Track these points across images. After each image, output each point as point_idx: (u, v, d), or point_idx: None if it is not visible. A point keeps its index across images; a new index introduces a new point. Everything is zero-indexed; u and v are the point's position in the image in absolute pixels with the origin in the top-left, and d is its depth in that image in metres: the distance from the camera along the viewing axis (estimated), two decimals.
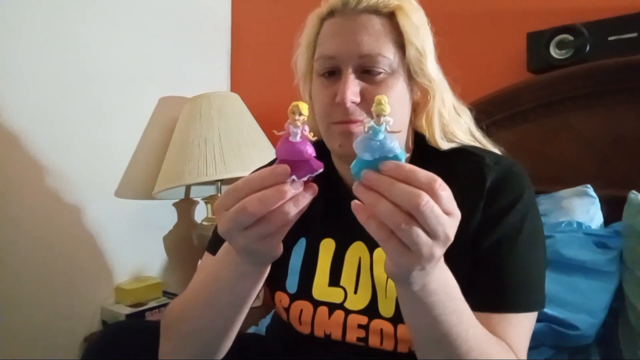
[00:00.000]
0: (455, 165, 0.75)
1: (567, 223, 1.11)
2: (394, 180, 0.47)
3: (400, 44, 0.71)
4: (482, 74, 1.38)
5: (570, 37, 1.23)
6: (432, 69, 0.74)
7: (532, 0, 1.37)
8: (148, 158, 1.75)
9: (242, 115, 1.73)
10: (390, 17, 0.71)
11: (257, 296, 1.85)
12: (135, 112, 1.73)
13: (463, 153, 0.76)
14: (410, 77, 0.74)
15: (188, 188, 1.87)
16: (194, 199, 1.93)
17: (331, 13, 0.74)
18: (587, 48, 1.20)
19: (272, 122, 1.83)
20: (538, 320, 0.71)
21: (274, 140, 1.75)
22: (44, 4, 1.45)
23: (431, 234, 0.47)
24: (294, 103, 0.51)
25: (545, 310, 0.94)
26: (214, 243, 0.84)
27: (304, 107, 0.51)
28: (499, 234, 0.69)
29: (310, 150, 0.52)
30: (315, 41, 0.77)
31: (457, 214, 0.49)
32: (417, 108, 0.77)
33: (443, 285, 0.55)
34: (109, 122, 1.63)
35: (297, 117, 0.51)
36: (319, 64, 0.74)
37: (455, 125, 0.78)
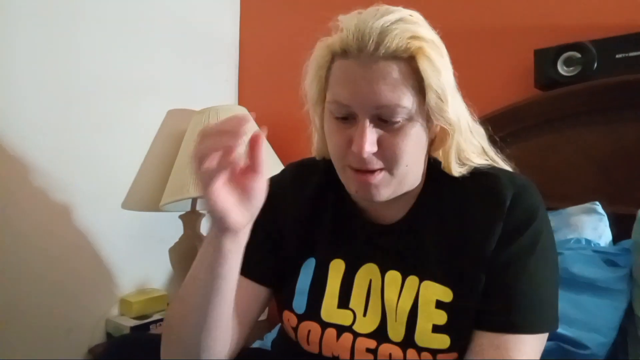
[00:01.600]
0: (469, 189, 0.73)
1: (576, 240, 1.10)
2: None
3: (420, 87, 0.67)
4: (490, 90, 1.39)
5: (578, 55, 1.23)
6: (453, 112, 0.69)
7: (539, 17, 1.38)
8: (155, 170, 1.76)
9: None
10: (410, 60, 0.65)
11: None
12: (143, 124, 1.74)
13: (477, 175, 0.75)
14: (429, 118, 0.70)
15: (194, 200, 1.86)
16: (200, 211, 1.92)
17: (344, 53, 0.68)
18: (595, 65, 1.20)
19: (278, 135, 1.85)
20: (547, 339, 0.70)
21: (279, 153, 1.76)
22: (51, 17, 1.47)
23: None
24: None
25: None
26: None
27: None
28: (512, 253, 0.69)
29: None
30: (325, 75, 0.72)
31: None
32: (435, 141, 0.74)
33: None
34: (116, 134, 1.64)
35: None
36: (334, 107, 0.70)
37: (470, 148, 0.75)
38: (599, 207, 1.16)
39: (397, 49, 0.64)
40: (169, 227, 1.84)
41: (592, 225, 1.14)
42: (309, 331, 0.77)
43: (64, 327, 1.50)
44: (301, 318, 0.78)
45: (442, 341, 0.69)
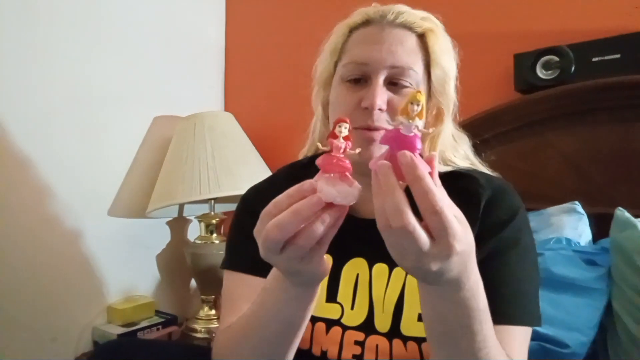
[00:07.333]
0: (449, 188, 0.76)
1: (556, 240, 1.12)
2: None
3: (426, 64, 0.75)
4: (472, 94, 1.39)
5: (556, 58, 1.26)
6: (451, 95, 0.78)
7: (518, 23, 1.41)
8: (142, 177, 1.76)
9: (235, 134, 1.75)
10: (421, 37, 0.75)
11: None
12: (130, 131, 1.75)
13: (457, 176, 0.77)
14: (429, 97, 0.76)
15: (181, 206, 1.87)
16: (187, 217, 1.93)
17: (366, 22, 0.77)
18: (572, 69, 1.23)
19: (265, 141, 1.86)
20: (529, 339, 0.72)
21: (266, 158, 1.76)
22: (34, 24, 1.46)
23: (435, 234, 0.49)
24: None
25: (536, 327, 0.95)
26: (230, 259, 0.84)
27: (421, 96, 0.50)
28: (493, 247, 0.70)
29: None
30: (341, 49, 0.79)
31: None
32: (428, 123, 0.79)
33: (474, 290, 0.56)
34: (102, 141, 1.64)
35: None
36: (348, 69, 0.75)
37: (453, 152, 0.80)
38: (578, 206, 1.19)
39: (414, 22, 0.75)
40: (156, 234, 1.84)
41: (572, 225, 1.16)
42: None
43: (50, 335, 1.49)
44: None
45: None
